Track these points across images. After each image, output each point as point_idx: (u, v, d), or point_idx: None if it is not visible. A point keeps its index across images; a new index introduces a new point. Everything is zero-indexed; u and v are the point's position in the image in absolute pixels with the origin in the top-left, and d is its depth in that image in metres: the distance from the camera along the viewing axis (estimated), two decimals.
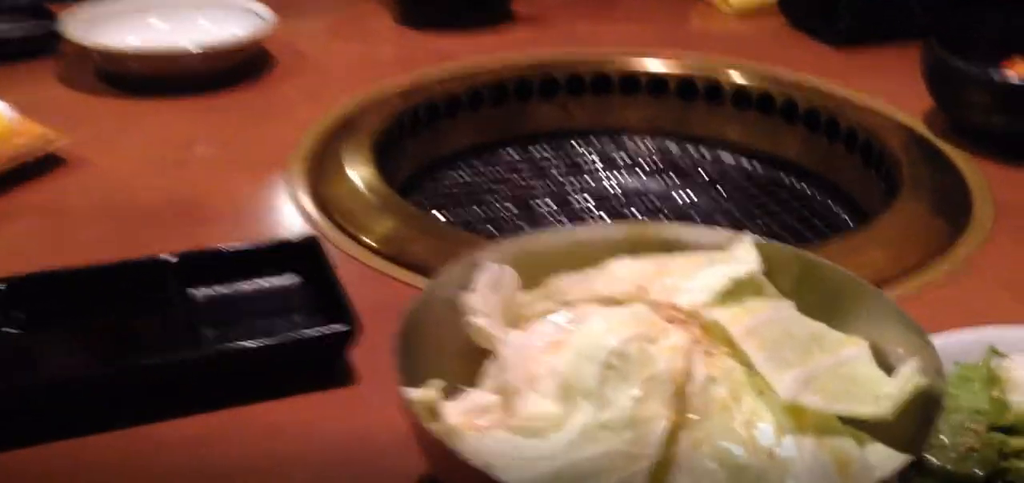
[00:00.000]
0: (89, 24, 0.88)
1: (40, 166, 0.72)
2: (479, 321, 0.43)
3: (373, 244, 0.65)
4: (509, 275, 0.46)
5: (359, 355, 0.54)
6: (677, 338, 0.38)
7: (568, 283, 0.45)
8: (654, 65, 0.93)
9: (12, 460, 0.47)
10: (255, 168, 0.75)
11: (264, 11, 0.90)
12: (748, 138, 0.90)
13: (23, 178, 0.71)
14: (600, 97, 0.93)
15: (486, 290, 0.45)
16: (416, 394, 0.38)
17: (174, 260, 0.57)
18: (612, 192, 0.88)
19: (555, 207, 0.85)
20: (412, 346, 0.41)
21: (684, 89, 0.92)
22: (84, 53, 0.87)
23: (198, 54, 0.84)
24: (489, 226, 0.81)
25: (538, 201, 0.86)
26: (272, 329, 0.55)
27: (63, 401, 0.49)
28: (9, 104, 0.73)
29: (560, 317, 0.41)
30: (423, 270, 0.61)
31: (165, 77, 0.85)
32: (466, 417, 0.39)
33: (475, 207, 0.84)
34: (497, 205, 0.85)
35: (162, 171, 0.74)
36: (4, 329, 0.52)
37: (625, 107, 0.93)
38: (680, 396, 0.37)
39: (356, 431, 0.50)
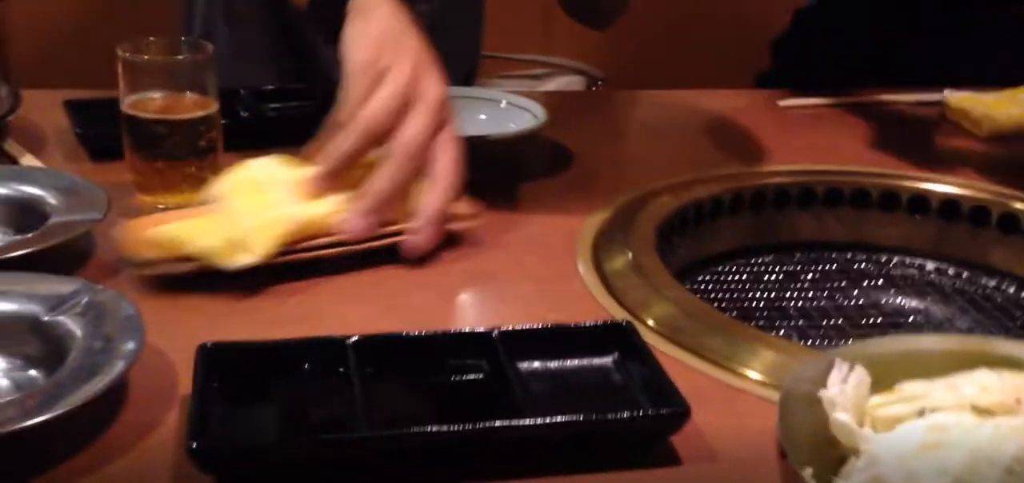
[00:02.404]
0: None
1: None
2: (842, 417, 0.45)
3: (655, 326, 0.68)
4: (862, 375, 0.48)
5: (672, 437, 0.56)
6: None
7: (924, 389, 0.47)
8: (913, 184, 0.94)
9: None
10: (543, 255, 0.79)
11: (538, 110, 0.96)
12: (1013, 264, 0.89)
13: None
14: (857, 212, 0.94)
15: (842, 387, 0.47)
16: (808, 473, 0.41)
17: (501, 334, 0.61)
18: (865, 306, 0.89)
19: (807, 319, 0.86)
20: (786, 433, 0.44)
21: (945, 209, 0.92)
22: None
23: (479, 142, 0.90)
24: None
25: (791, 309, 0.88)
26: (595, 405, 0.58)
27: (418, 451, 0.53)
28: None
29: (937, 419, 0.43)
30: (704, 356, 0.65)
31: None
32: None
33: (733, 310, 0.87)
34: (754, 309, 0.87)
35: (459, 252, 0.80)
36: (361, 381, 0.57)
37: (882, 223, 0.94)
38: None
39: None
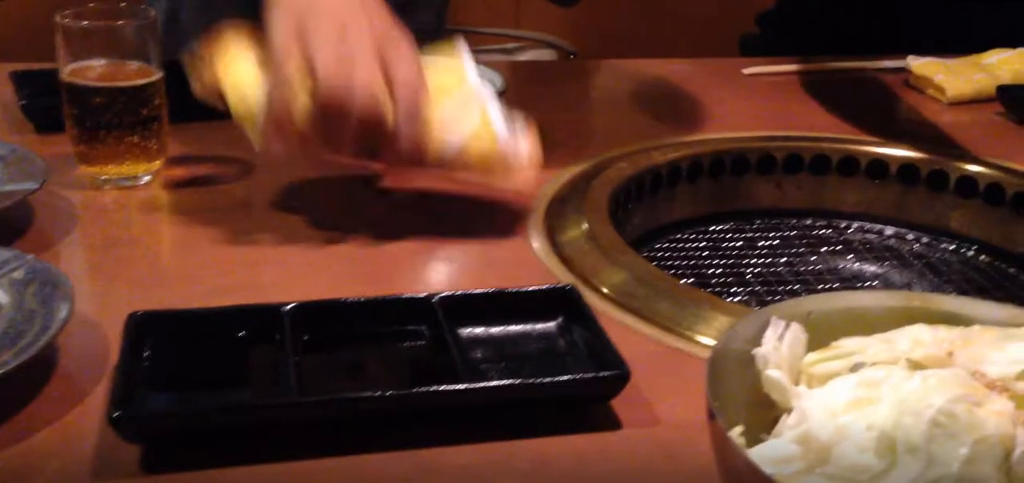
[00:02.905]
0: None
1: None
2: (775, 374, 0.44)
3: (608, 293, 0.67)
4: (797, 332, 0.47)
5: (614, 401, 0.56)
6: (1002, 404, 0.38)
7: (859, 344, 0.46)
8: (873, 149, 0.93)
9: (301, 469, 0.50)
10: (496, 220, 0.78)
11: (496, 78, 0.95)
12: (972, 228, 0.89)
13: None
14: (817, 178, 0.93)
15: (777, 345, 0.46)
16: (735, 433, 0.40)
17: (441, 299, 0.60)
18: (823, 272, 0.88)
19: (765, 286, 0.86)
20: (716, 393, 0.43)
21: (904, 174, 0.91)
22: None
23: None
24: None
25: (749, 276, 0.87)
26: (535, 370, 0.57)
27: (351, 419, 0.52)
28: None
29: (868, 374, 0.42)
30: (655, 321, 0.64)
31: None
32: (772, 465, 0.40)
33: (690, 277, 0.86)
34: (711, 277, 0.86)
35: (412, 216, 0.79)
36: (295, 349, 0.56)
37: (841, 189, 0.93)
38: (1007, 462, 0.37)
39: (625, 474, 0.51)
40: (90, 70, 0.77)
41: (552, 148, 0.93)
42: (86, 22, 0.77)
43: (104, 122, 0.77)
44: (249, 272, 0.69)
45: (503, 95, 0.93)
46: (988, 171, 0.89)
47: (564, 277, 0.70)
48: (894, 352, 0.43)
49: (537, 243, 0.75)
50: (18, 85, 0.92)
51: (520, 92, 1.00)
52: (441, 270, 0.73)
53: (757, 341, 0.46)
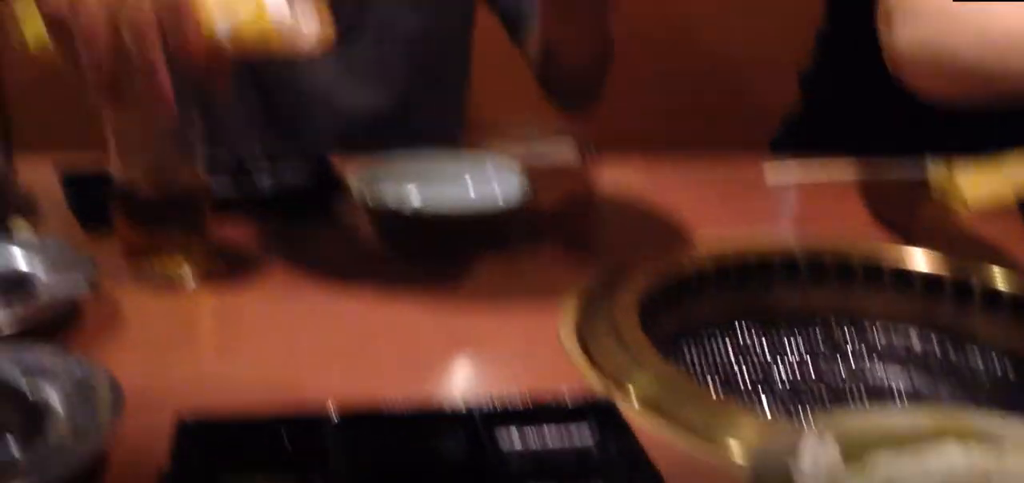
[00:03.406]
0: (367, 181, 0.96)
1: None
2: None
3: (635, 399, 0.69)
4: (832, 449, 0.48)
5: None
6: None
7: (893, 465, 0.47)
8: (897, 258, 0.94)
9: None
10: (525, 323, 0.80)
11: (523, 175, 0.97)
12: (997, 338, 0.89)
13: None
14: (841, 284, 0.95)
15: (814, 465, 0.47)
16: None
17: (482, 413, 0.61)
18: (849, 378, 0.89)
19: (791, 393, 0.87)
20: None
21: (929, 284, 0.93)
22: (363, 209, 0.95)
23: (471, 218, 0.91)
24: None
25: (777, 382, 0.88)
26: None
27: None
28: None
29: None
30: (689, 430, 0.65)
31: (438, 234, 0.92)
32: None
33: (718, 382, 0.87)
34: (740, 382, 0.87)
35: (442, 318, 0.80)
36: (339, 458, 0.57)
37: (866, 296, 0.94)
38: None
39: None
40: (139, 171, 0.80)
41: (578, 247, 0.96)
42: (134, 123, 0.80)
43: (150, 221, 0.80)
44: (289, 369, 0.71)
45: (528, 198, 0.95)
46: (1013, 281, 0.90)
47: (593, 381, 0.71)
48: (929, 477, 0.44)
49: (568, 345, 0.76)
50: (67, 184, 0.95)
51: (544, 189, 1.02)
52: (474, 370, 0.74)
53: (793, 457, 0.48)
